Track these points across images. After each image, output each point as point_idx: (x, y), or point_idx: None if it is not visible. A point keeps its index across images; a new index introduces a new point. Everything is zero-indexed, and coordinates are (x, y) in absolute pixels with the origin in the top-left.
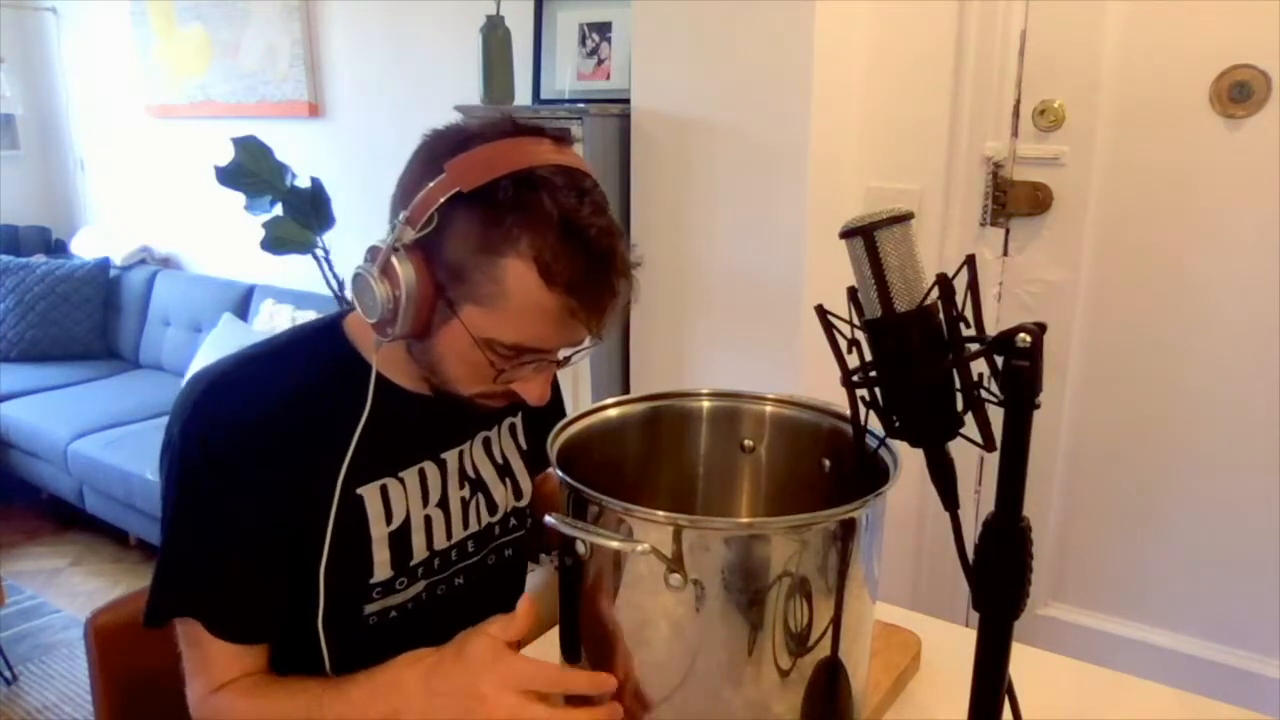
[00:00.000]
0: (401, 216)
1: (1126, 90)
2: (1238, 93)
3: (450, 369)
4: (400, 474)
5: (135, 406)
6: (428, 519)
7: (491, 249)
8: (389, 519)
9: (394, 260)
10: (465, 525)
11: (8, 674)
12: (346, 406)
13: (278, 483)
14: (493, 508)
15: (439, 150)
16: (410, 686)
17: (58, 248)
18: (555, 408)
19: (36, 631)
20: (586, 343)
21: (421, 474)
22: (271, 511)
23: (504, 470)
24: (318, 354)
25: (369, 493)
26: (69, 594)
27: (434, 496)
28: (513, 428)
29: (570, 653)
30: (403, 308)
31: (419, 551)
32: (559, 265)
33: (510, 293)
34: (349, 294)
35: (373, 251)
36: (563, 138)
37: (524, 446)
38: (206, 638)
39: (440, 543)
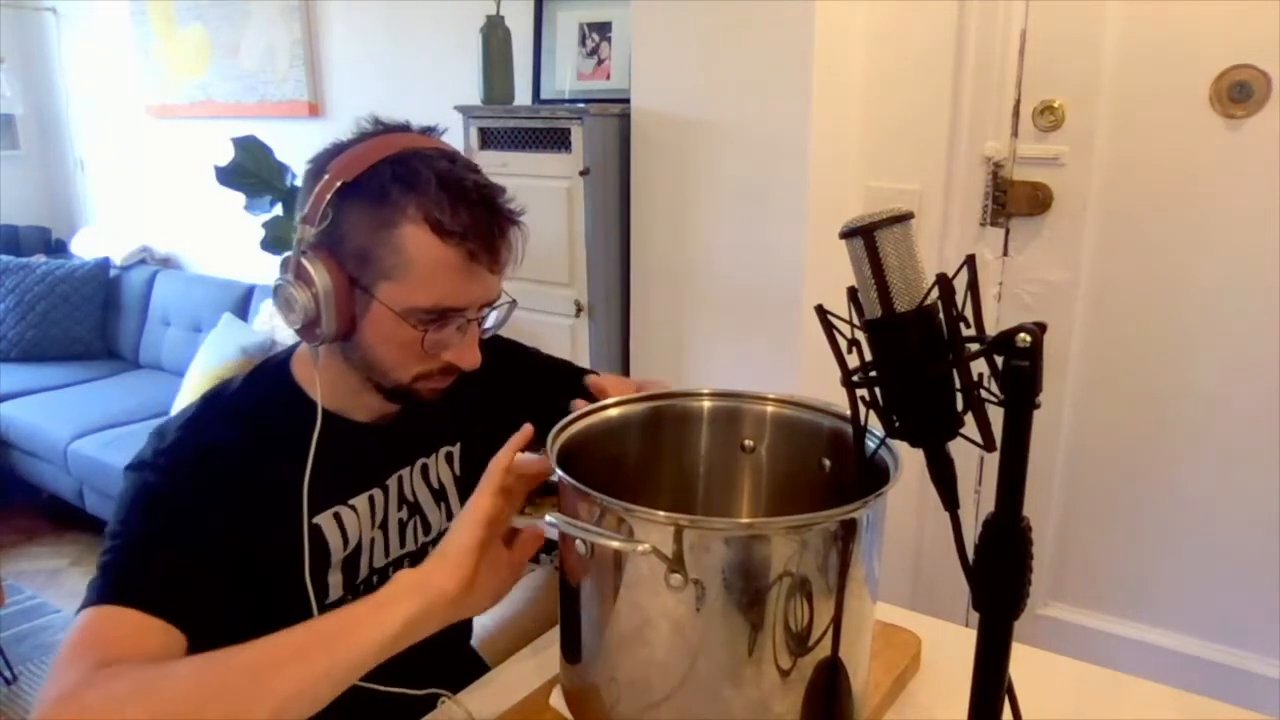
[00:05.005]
0: (298, 218)
1: (1126, 90)
2: (1238, 93)
3: (384, 356)
4: (351, 501)
5: (135, 406)
6: (372, 541)
7: (385, 223)
8: (345, 544)
9: (304, 262)
10: (402, 544)
11: (8, 674)
12: (294, 443)
13: (236, 512)
14: (427, 528)
15: (320, 162)
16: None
17: (58, 248)
18: (492, 438)
19: (36, 631)
20: (500, 300)
21: (371, 500)
22: (229, 534)
23: (439, 495)
24: (267, 395)
25: (325, 521)
26: (69, 594)
27: (378, 519)
28: (449, 456)
29: (570, 652)
30: (323, 304)
31: (364, 570)
32: (447, 217)
33: (413, 258)
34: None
35: (285, 262)
36: (430, 129)
37: (458, 474)
38: (116, 617)
39: (379, 561)
